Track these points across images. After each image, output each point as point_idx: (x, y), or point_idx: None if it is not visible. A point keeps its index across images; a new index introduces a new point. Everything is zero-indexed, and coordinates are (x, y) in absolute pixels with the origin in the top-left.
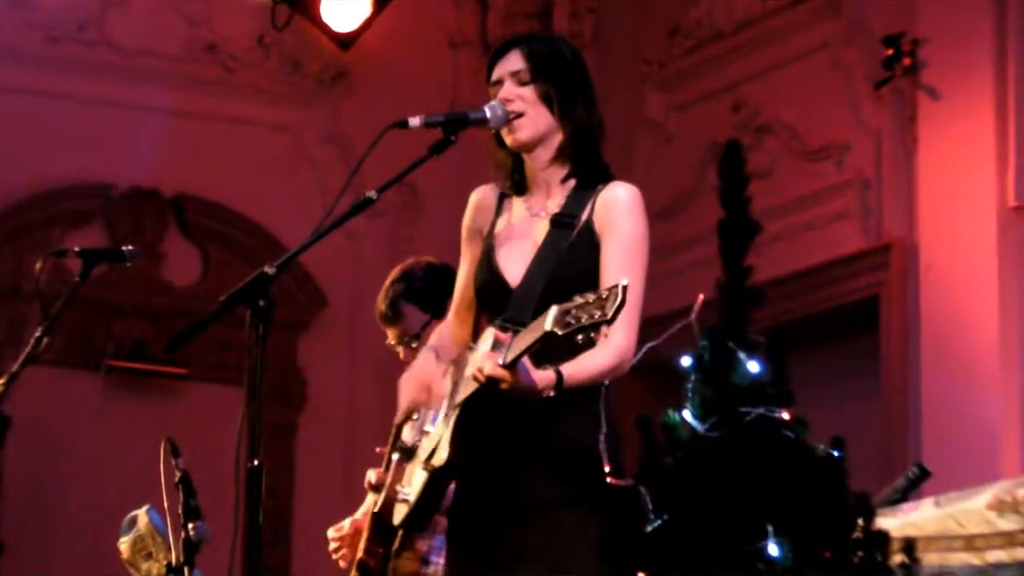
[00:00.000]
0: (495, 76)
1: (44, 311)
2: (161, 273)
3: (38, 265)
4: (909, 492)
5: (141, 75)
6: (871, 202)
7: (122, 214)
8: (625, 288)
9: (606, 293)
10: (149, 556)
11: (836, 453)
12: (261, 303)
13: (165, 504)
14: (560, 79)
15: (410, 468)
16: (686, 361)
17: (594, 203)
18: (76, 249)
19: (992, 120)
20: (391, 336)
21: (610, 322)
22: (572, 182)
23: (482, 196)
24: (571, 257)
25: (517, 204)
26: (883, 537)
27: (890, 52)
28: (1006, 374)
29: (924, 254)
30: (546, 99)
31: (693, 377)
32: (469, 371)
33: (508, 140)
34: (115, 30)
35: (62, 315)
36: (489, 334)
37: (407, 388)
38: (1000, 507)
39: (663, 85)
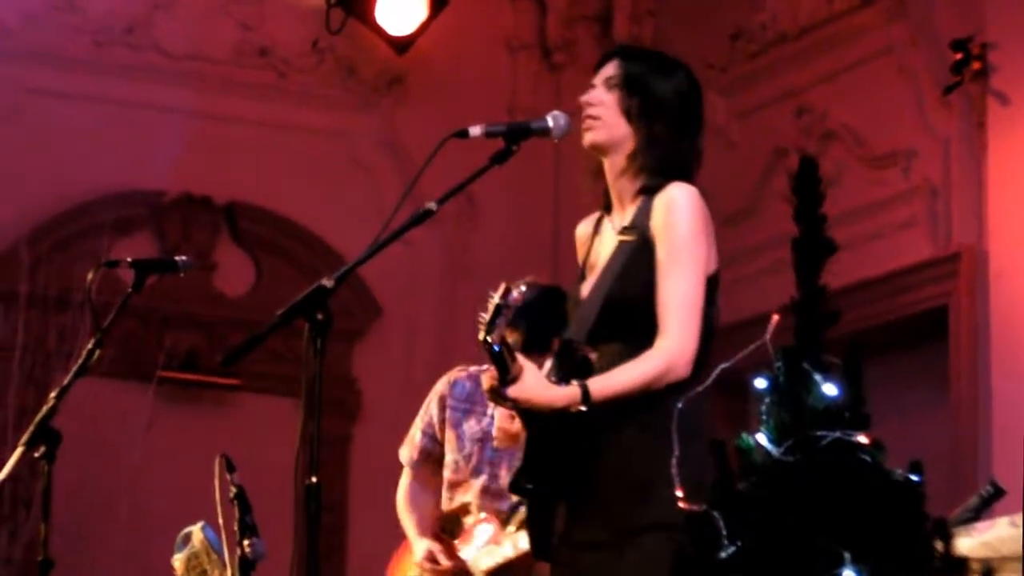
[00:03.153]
0: (594, 80)
1: (96, 322)
2: (213, 282)
3: (90, 276)
4: (982, 511)
5: (191, 79)
6: (939, 210)
7: (172, 222)
8: (505, 290)
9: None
10: (203, 573)
11: (915, 477)
12: (319, 316)
13: (220, 520)
14: (646, 94)
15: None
16: (760, 383)
17: (652, 210)
18: (129, 260)
19: None
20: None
21: (489, 328)
22: (642, 196)
23: (580, 230)
24: (630, 270)
25: (607, 226)
26: (962, 563)
27: (959, 56)
28: None
29: (994, 262)
30: (626, 108)
31: (768, 399)
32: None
33: (583, 141)
34: (163, 33)
35: (114, 326)
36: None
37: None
38: None
39: (726, 90)
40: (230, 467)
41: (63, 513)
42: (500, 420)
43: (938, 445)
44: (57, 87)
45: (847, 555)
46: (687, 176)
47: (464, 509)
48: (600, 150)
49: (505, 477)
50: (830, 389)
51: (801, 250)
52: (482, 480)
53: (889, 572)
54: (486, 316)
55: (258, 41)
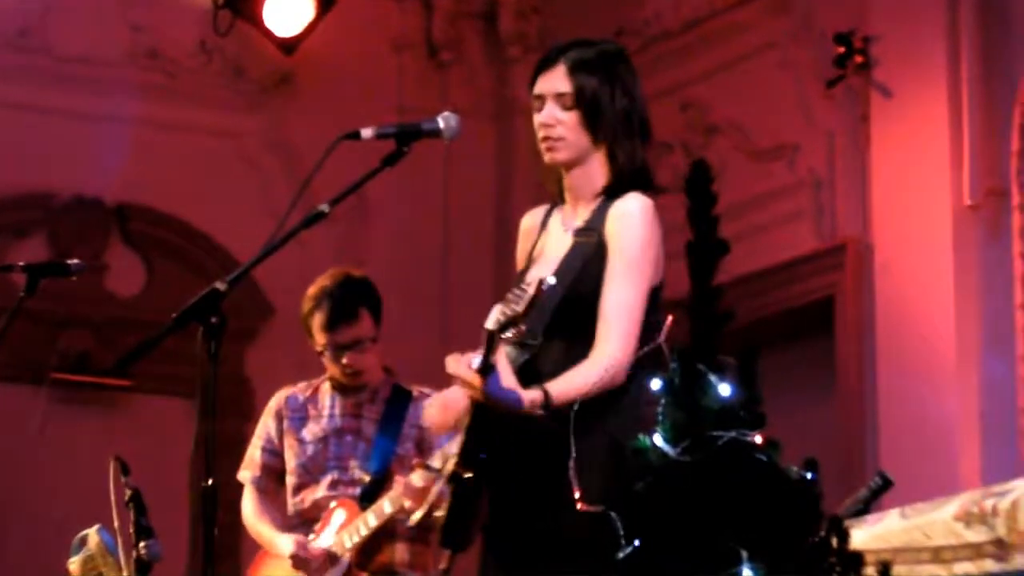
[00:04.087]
0: (537, 90)
1: None
2: (104, 284)
3: None
4: (872, 503)
5: (82, 82)
6: (824, 202)
7: (64, 224)
8: (542, 283)
9: (527, 289)
10: None
11: (810, 475)
12: (213, 319)
13: (115, 523)
14: (605, 110)
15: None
16: (656, 384)
17: (607, 215)
18: (21, 264)
19: (946, 117)
20: (333, 339)
21: (523, 317)
22: (601, 198)
23: (526, 221)
24: (585, 269)
25: (555, 221)
26: (858, 559)
27: (841, 50)
28: (963, 375)
29: (879, 254)
30: (587, 125)
31: (663, 400)
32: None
33: (545, 158)
34: (56, 36)
35: (5, 331)
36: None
37: (432, 408)
38: (967, 518)
39: None
40: (125, 469)
41: None
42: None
43: (825, 436)
44: None
45: (745, 554)
46: (648, 179)
47: (316, 506)
48: (562, 166)
49: (354, 467)
50: (725, 389)
51: (694, 251)
52: (331, 475)
53: (786, 570)
54: (519, 308)
55: (148, 43)
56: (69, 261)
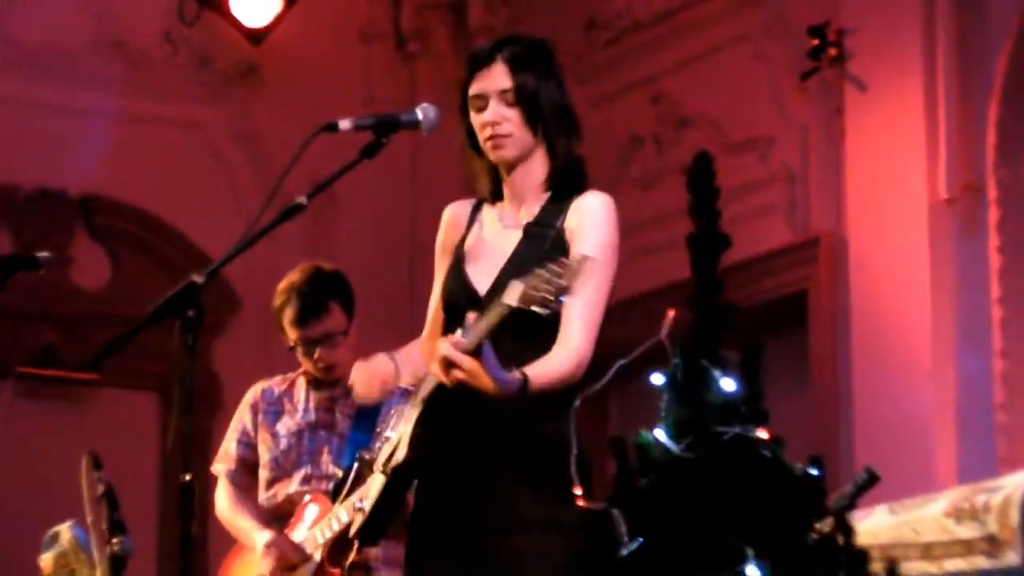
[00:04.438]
0: (478, 89)
1: None
2: (70, 277)
3: None
4: (857, 498)
5: (45, 72)
6: (798, 196)
7: (28, 216)
8: (586, 259)
9: (571, 263)
10: (72, 572)
11: (815, 472)
12: (190, 312)
13: (88, 519)
14: (546, 104)
15: (369, 479)
16: (658, 379)
17: (567, 212)
18: None
19: (922, 111)
20: (304, 335)
21: (568, 292)
22: (548, 193)
23: (453, 212)
24: (543, 263)
25: (489, 217)
26: (863, 556)
27: (815, 42)
28: (938, 369)
29: (853, 248)
30: (532, 121)
31: (666, 396)
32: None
33: (492, 157)
34: (16, 26)
35: None
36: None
37: (358, 374)
38: (958, 514)
39: (581, 78)
40: (97, 464)
41: None
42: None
43: (798, 431)
44: None
45: (750, 551)
46: (584, 173)
47: (289, 501)
48: (508, 164)
49: (327, 462)
50: (728, 384)
51: (697, 245)
52: (304, 470)
53: (792, 567)
54: (564, 282)
55: (112, 33)
56: (38, 254)
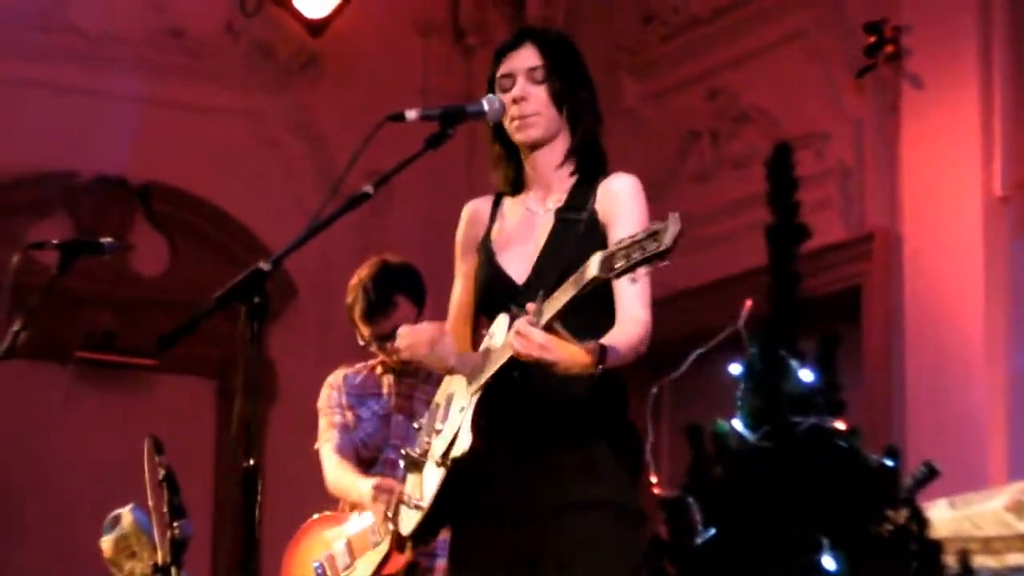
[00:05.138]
0: (506, 69)
1: (17, 305)
2: (128, 263)
3: (15, 258)
4: (916, 492)
5: (105, 61)
6: (853, 191)
7: (87, 203)
8: (676, 217)
9: (659, 225)
10: (133, 555)
11: (890, 463)
12: (256, 299)
13: (149, 502)
14: (572, 79)
15: (417, 477)
16: (736, 369)
17: (596, 194)
18: (55, 242)
19: (977, 108)
20: (375, 331)
21: (670, 252)
22: (574, 178)
23: (474, 208)
24: (582, 248)
25: (512, 207)
26: (937, 547)
27: (872, 39)
28: (991, 366)
29: (908, 244)
30: (558, 100)
31: (743, 386)
32: (499, 341)
33: (519, 136)
34: (78, 15)
35: (39, 309)
36: (502, 320)
37: (404, 334)
38: (1018, 509)
39: (638, 72)
40: (159, 448)
41: None
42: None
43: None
44: None
45: (825, 541)
46: (604, 155)
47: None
48: (537, 144)
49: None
50: (806, 375)
51: (775, 237)
52: (385, 455)
53: (867, 557)
54: (663, 244)
55: (171, 22)
56: (102, 240)
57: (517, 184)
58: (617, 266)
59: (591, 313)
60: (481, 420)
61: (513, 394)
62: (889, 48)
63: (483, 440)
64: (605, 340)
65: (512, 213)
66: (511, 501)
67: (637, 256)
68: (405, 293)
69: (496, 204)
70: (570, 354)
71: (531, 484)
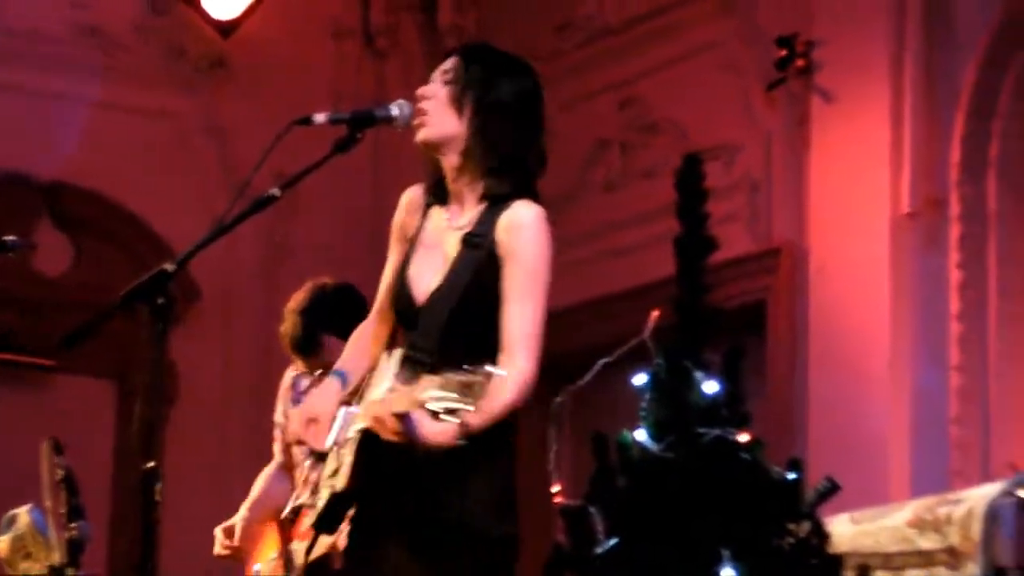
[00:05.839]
0: (433, 76)
1: None
2: (31, 262)
3: None
4: (817, 506)
5: (19, 57)
6: (761, 205)
7: None
8: (490, 375)
9: (482, 377)
10: (28, 556)
11: (793, 476)
12: (159, 300)
13: (46, 503)
14: (482, 90)
15: (320, 475)
16: (640, 380)
17: (497, 224)
18: None
19: (887, 125)
20: (306, 364)
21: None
22: (483, 200)
23: (413, 195)
24: (478, 282)
25: (438, 213)
26: (838, 561)
27: (783, 53)
28: (895, 382)
29: (814, 258)
30: (457, 103)
31: (648, 396)
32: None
33: (416, 137)
34: None
35: None
36: (396, 356)
37: (293, 422)
38: (920, 525)
39: (549, 81)
40: (58, 449)
41: None
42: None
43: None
44: None
45: (727, 553)
46: (531, 184)
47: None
48: (432, 148)
49: None
50: (711, 387)
51: (682, 248)
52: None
53: (768, 570)
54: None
55: (89, 20)
56: (5, 237)
57: (442, 196)
58: (438, 408)
59: (479, 336)
60: (359, 463)
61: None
62: (800, 62)
63: (362, 481)
64: (476, 413)
65: (436, 217)
66: (384, 516)
67: (451, 404)
68: (333, 331)
69: (429, 204)
70: (430, 434)
71: (399, 501)
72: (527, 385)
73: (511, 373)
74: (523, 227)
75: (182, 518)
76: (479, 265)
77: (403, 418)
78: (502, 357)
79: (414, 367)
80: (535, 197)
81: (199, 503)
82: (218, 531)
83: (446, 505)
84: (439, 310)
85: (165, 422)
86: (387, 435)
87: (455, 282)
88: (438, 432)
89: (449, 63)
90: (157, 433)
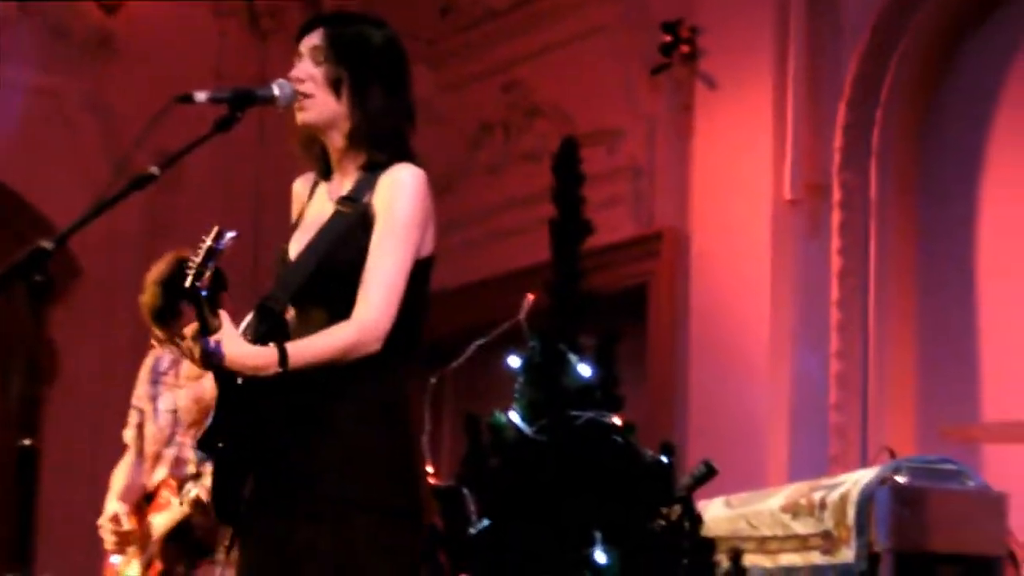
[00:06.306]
0: (298, 50)
1: None
2: None
3: None
4: (694, 490)
5: None
6: (643, 189)
7: None
8: (221, 232)
9: (208, 239)
10: None
11: (665, 459)
12: (37, 278)
13: None
14: (356, 65)
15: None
16: (515, 362)
17: (375, 186)
18: None
19: (770, 112)
20: (164, 333)
21: (199, 274)
22: (363, 166)
23: (298, 186)
24: (345, 240)
25: (322, 189)
26: (710, 544)
27: (668, 39)
28: (775, 368)
29: (696, 243)
30: (335, 84)
31: (522, 378)
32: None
33: (297, 119)
34: None
35: None
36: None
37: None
38: (795, 510)
39: (433, 63)
40: None
41: None
42: (190, 393)
43: (635, 423)
44: None
45: (598, 535)
46: (406, 147)
47: (165, 483)
48: (315, 129)
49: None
50: (584, 370)
51: (558, 231)
52: (174, 451)
53: (639, 552)
54: (196, 260)
55: None
56: None
57: (326, 169)
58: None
59: (340, 292)
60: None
61: (266, 390)
62: (685, 48)
63: (217, 436)
64: (298, 342)
65: (319, 195)
66: (273, 496)
67: (190, 266)
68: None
69: (317, 182)
70: (239, 356)
71: (289, 480)
72: (369, 332)
73: (354, 316)
74: (399, 186)
75: (60, 496)
76: (350, 224)
77: (199, 338)
78: (355, 305)
79: (264, 315)
80: (413, 159)
81: (77, 481)
82: (106, 523)
83: (341, 478)
84: (305, 263)
85: (43, 400)
86: (196, 364)
87: (323, 238)
88: (249, 355)
89: (316, 38)
90: (35, 411)
